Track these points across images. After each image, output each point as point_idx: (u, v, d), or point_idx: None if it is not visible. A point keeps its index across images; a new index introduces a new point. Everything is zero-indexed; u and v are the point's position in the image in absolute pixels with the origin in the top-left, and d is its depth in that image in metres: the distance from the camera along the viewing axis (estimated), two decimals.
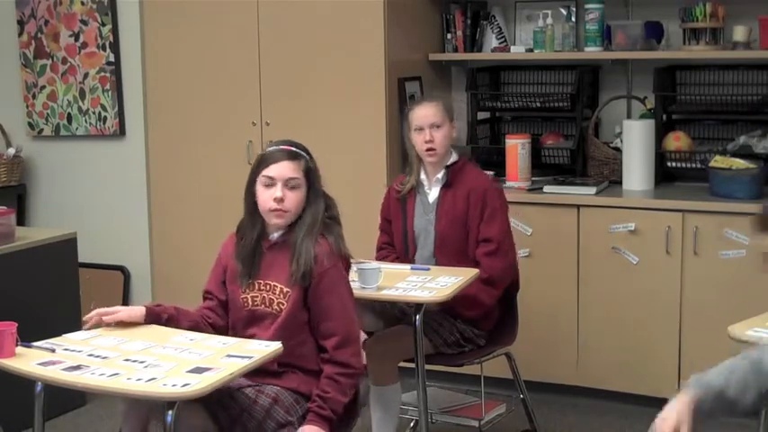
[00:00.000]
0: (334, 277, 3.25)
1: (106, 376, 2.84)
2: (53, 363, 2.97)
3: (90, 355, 3.03)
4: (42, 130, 5.99)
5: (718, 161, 4.61)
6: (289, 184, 3.26)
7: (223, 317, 3.41)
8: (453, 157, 4.12)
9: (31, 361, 2.99)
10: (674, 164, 4.87)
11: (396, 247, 4.21)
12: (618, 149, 4.95)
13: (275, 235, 3.33)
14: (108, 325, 3.30)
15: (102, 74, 5.75)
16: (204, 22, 5.40)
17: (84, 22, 5.77)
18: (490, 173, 4.50)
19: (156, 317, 3.31)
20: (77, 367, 2.92)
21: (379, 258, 4.18)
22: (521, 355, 4.22)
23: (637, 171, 4.78)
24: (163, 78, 5.55)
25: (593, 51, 4.99)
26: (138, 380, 2.80)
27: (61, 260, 4.85)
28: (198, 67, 5.43)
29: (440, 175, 4.10)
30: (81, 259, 4.99)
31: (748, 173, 4.51)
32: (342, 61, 5.07)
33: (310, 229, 3.26)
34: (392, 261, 4.14)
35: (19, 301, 4.40)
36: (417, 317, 3.67)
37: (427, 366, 3.78)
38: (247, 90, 5.31)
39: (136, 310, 3.34)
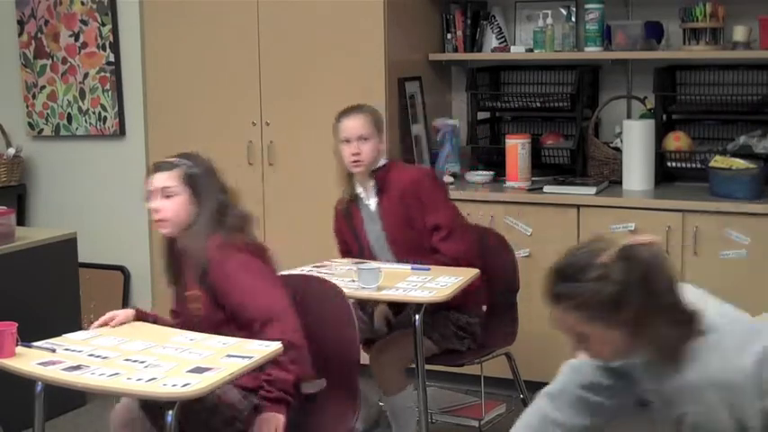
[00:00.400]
0: (231, 268, 3.27)
1: (106, 376, 2.84)
2: (53, 363, 2.97)
3: (90, 354, 3.04)
4: (42, 130, 5.99)
5: (718, 161, 4.61)
6: (164, 193, 3.33)
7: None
8: (381, 162, 4.09)
9: (32, 361, 2.99)
10: (674, 164, 4.87)
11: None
12: (618, 149, 4.95)
13: (180, 243, 3.40)
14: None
15: (102, 74, 5.75)
16: (204, 22, 5.40)
17: (84, 22, 5.77)
18: (422, 165, 4.40)
19: (143, 318, 3.45)
20: (77, 367, 2.92)
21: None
22: (521, 356, 4.22)
23: (637, 171, 4.78)
24: (163, 78, 5.55)
25: (593, 51, 4.99)
26: (139, 380, 2.80)
27: (61, 260, 4.85)
28: (198, 67, 5.43)
29: (371, 184, 4.09)
30: (81, 259, 4.99)
31: (748, 173, 4.51)
32: (342, 61, 5.07)
33: (198, 231, 3.32)
34: None
35: (19, 301, 4.40)
36: (417, 317, 3.67)
37: (427, 366, 3.78)
38: (247, 90, 5.31)
39: (129, 313, 3.43)
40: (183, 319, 3.41)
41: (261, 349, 3.02)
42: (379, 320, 4.09)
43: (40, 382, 3.07)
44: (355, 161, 4.03)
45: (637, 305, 2.22)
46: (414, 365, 3.79)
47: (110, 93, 5.75)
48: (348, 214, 4.16)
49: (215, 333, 3.22)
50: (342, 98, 4.94)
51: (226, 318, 3.29)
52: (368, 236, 4.12)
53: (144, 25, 5.60)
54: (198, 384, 2.75)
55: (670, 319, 2.26)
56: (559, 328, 2.38)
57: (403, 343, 3.87)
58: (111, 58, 5.71)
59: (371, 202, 4.10)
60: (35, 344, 3.11)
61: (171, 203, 3.33)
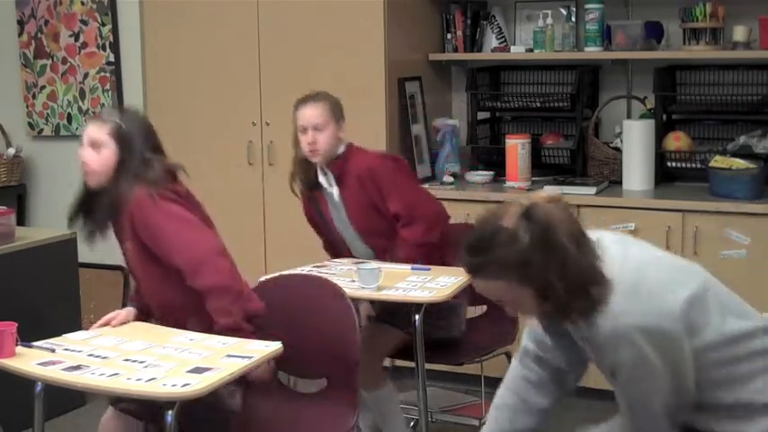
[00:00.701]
0: (154, 220, 3.29)
1: (106, 376, 2.84)
2: (53, 363, 2.97)
3: (90, 355, 3.04)
4: (42, 130, 5.99)
5: (718, 161, 4.61)
6: (93, 145, 3.37)
7: None
8: (340, 150, 4.08)
9: (31, 361, 2.99)
10: (674, 164, 4.87)
11: (333, 247, 4.22)
12: (618, 149, 4.95)
13: (104, 194, 3.41)
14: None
15: (102, 74, 5.75)
16: (204, 22, 5.40)
17: (84, 22, 5.77)
18: (379, 150, 4.35)
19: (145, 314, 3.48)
20: (77, 367, 2.92)
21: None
22: None
23: (637, 171, 4.77)
24: (163, 78, 5.55)
25: (593, 51, 4.99)
26: (138, 380, 2.80)
27: (61, 260, 4.84)
28: (198, 67, 5.43)
29: (328, 172, 4.09)
30: (81, 259, 4.99)
31: (748, 173, 4.51)
32: (342, 61, 5.07)
33: (121, 184, 3.33)
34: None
35: (19, 300, 4.40)
36: (417, 317, 3.66)
37: (427, 366, 3.78)
38: (247, 90, 5.31)
39: (129, 311, 3.48)
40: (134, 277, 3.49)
41: (261, 349, 3.02)
42: (363, 319, 4.09)
43: (39, 383, 3.06)
44: (312, 150, 4.03)
45: (541, 261, 2.24)
46: (408, 360, 3.78)
47: (110, 93, 5.75)
48: (314, 202, 4.17)
49: (158, 287, 3.33)
50: (341, 98, 4.93)
51: (163, 270, 3.31)
52: (336, 223, 4.14)
53: (144, 25, 5.60)
54: (198, 384, 2.75)
55: (578, 271, 2.27)
56: (486, 296, 2.42)
57: (379, 337, 3.87)
58: (111, 58, 5.71)
59: (334, 191, 4.10)
60: (35, 344, 3.11)
61: (98, 156, 3.36)
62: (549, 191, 2.33)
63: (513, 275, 2.27)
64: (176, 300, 3.34)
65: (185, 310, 3.32)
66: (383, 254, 4.09)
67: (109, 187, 3.37)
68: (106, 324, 3.39)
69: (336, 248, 4.21)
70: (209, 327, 3.24)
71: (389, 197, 4.00)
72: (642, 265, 2.38)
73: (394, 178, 4.04)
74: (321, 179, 4.11)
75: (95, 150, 3.37)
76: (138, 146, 3.39)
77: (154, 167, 3.37)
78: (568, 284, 2.25)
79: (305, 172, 4.16)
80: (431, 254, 4.01)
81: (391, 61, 5.02)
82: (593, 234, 2.40)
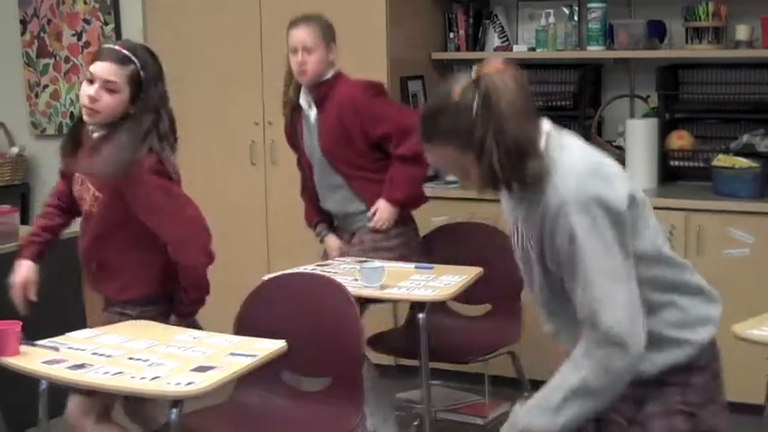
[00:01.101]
0: (157, 197, 3.28)
1: (110, 375, 2.84)
2: (57, 361, 2.97)
3: (94, 353, 3.03)
4: (45, 129, 6.00)
5: (721, 160, 4.62)
6: (106, 85, 3.26)
7: (74, 204, 3.51)
8: (329, 74, 4.11)
9: (36, 359, 2.99)
10: (677, 163, 4.87)
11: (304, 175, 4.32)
12: (621, 148, 4.95)
13: (95, 134, 3.35)
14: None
15: None
16: (206, 21, 5.40)
17: (87, 21, 5.78)
18: (363, 79, 4.29)
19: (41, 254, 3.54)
20: (81, 366, 2.92)
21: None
22: (525, 354, 4.22)
23: (640, 170, 4.77)
24: (167, 76, 5.52)
25: (595, 50, 4.99)
26: (143, 378, 2.80)
27: (65, 258, 4.83)
28: (200, 67, 5.43)
29: (311, 95, 4.13)
30: None
31: (751, 171, 4.51)
32: (344, 60, 5.05)
33: (128, 140, 3.25)
34: None
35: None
36: (421, 315, 3.67)
37: (431, 364, 3.78)
38: (250, 89, 5.31)
39: (28, 267, 3.50)
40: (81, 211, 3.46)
41: (265, 347, 3.02)
42: (333, 252, 4.22)
43: (44, 381, 3.06)
44: (300, 71, 4.06)
45: (481, 127, 2.27)
46: (412, 359, 3.79)
47: None
48: (291, 122, 4.23)
49: (100, 231, 3.36)
50: None
51: (119, 222, 3.32)
52: (306, 146, 4.19)
53: (146, 24, 5.60)
54: (202, 383, 2.74)
55: (514, 139, 2.29)
56: (439, 166, 2.48)
57: None
58: None
59: (312, 114, 4.14)
60: (39, 342, 3.11)
61: (111, 99, 3.26)
62: (504, 59, 2.34)
63: (456, 142, 2.31)
64: (121, 264, 3.37)
65: (124, 275, 3.37)
66: (347, 189, 4.17)
67: (116, 136, 3.27)
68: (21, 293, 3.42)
69: (310, 191, 4.30)
70: (135, 298, 3.35)
71: (376, 124, 4.06)
72: (600, 158, 2.41)
73: (376, 104, 4.10)
74: (302, 100, 4.15)
75: (108, 92, 3.25)
76: (152, 100, 3.32)
77: (160, 128, 3.30)
78: (505, 151, 2.28)
79: (292, 92, 4.20)
80: (426, 167, 4.07)
81: (393, 60, 5.03)
82: (561, 131, 2.48)
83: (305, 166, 4.29)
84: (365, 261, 3.89)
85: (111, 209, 3.32)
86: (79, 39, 5.82)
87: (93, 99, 3.25)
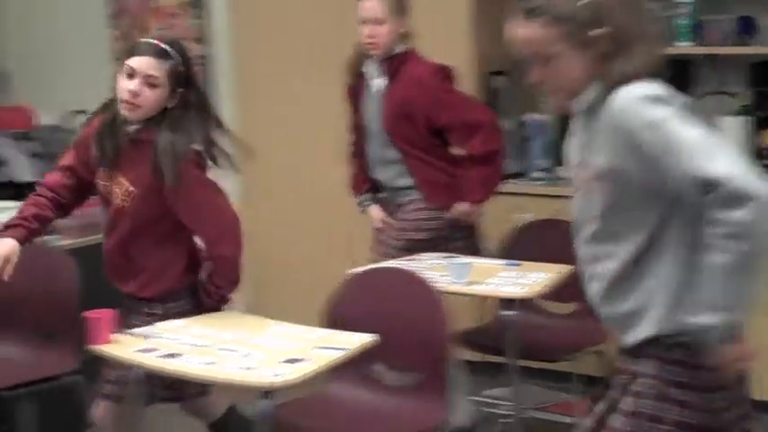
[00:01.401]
0: (199, 192, 3.29)
1: (203, 364, 2.86)
2: (149, 350, 3.01)
3: (185, 343, 3.06)
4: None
5: None
6: (147, 80, 3.25)
7: (74, 199, 3.48)
8: (399, 49, 4.08)
9: (129, 348, 3.03)
10: None
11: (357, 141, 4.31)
12: None
13: (131, 128, 3.33)
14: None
15: (196, 67, 5.78)
16: (296, 13, 5.40)
17: (175, 16, 5.83)
18: (434, 62, 4.27)
19: (26, 240, 3.37)
20: (174, 355, 2.95)
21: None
22: (613, 353, 4.16)
23: None
24: (254, 72, 5.57)
25: (684, 46, 4.91)
26: (235, 368, 2.82)
27: None
28: (290, 60, 5.44)
29: (380, 67, 4.10)
30: None
31: None
32: (428, 54, 5.03)
33: (181, 134, 3.25)
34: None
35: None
36: (510, 312, 3.64)
37: (519, 362, 3.75)
38: (339, 83, 5.30)
39: (13, 246, 3.32)
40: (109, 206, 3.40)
41: (355, 341, 3.03)
42: (377, 222, 4.28)
43: (138, 369, 3.09)
44: (369, 43, 4.03)
45: (617, 25, 2.20)
46: (499, 356, 3.77)
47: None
48: (354, 86, 4.24)
49: (133, 228, 3.32)
50: None
51: (156, 218, 3.31)
52: (367, 115, 4.19)
53: (234, 18, 5.63)
54: (291, 375, 2.76)
55: (628, 32, 2.22)
56: (525, 47, 2.30)
57: None
58: (202, 52, 5.76)
59: (378, 84, 4.13)
60: (131, 331, 3.15)
61: (152, 93, 3.26)
62: None
63: (577, 30, 2.22)
64: (151, 259, 3.35)
65: (152, 270, 3.35)
66: (401, 164, 4.17)
67: (150, 128, 3.28)
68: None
69: (360, 158, 4.30)
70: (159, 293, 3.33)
71: (440, 112, 4.05)
72: None
73: (444, 93, 4.07)
74: (367, 68, 4.14)
75: (149, 86, 3.25)
76: (192, 92, 3.32)
77: (193, 117, 3.30)
78: (619, 39, 2.20)
79: (354, 65, 4.21)
80: (499, 164, 4.10)
81: (478, 54, 4.99)
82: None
83: (359, 131, 4.27)
84: (451, 257, 3.88)
85: (147, 204, 3.30)
86: (168, 33, 5.87)
87: (134, 94, 3.25)
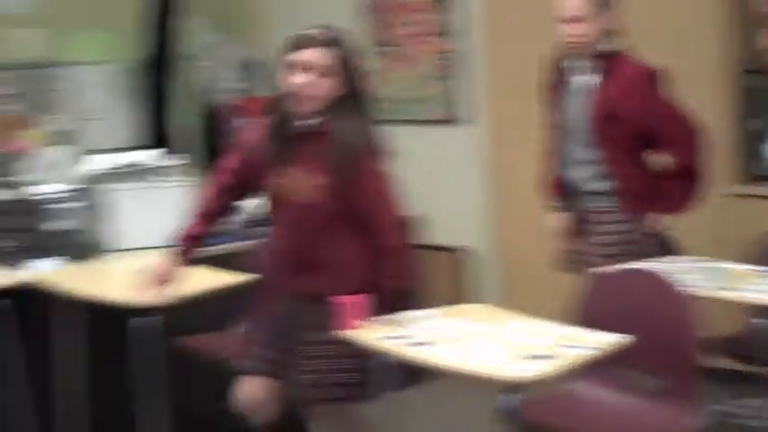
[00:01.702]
0: (377, 181, 3.26)
1: (453, 355, 2.88)
2: (398, 337, 3.05)
3: (432, 333, 3.09)
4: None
5: None
6: (318, 70, 3.20)
7: (237, 197, 3.50)
8: (606, 46, 3.93)
9: (376, 334, 3.09)
10: None
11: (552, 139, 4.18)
12: None
13: (305, 122, 3.26)
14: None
15: (441, 61, 5.85)
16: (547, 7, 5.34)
17: (421, 11, 5.88)
18: (648, 65, 4.07)
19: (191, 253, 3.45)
20: (423, 344, 2.98)
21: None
22: None
23: None
24: (507, 68, 5.52)
25: None
26: (487, 361, 2.82)
27: None
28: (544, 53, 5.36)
29: (588, 64, 3.96)
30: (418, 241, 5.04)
31: None
32: (672, 53, 4.86)
33: (348, 124, 3.21)
34: None
35: None
36: (761, 320, 3.50)
37: None
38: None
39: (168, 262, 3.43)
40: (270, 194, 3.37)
41: (605, 341, 2.98)
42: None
43: (383, 356, 3.14)
44: (571, 42, 3.95)
45: None
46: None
47: (447, 80, 5.83)
48: (555, 86, 4.13)
49: (317, 224, 3.26)
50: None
51: (340, 211, 3.25)
52: (567, 113, 4.06)
53: (483, 13, 5.61)
54: (543, 371, 2.74)
55: None
56: None
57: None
58: (449, 46, 5.80)
59: (586, 81, 3.99)
60: (377, 318, 3.20)
61: (327, 83, 3.22)
62: None
63: None
64: (339, 256, 3.28)
65: (340, 268, 3.28)
66: (600, 166, 4.03)
67: (324, 119, 3.24)
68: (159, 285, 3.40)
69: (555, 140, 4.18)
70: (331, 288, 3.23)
71: (656, 120, 3.93)
72: None
73: (660, 100, 3.94)
74: (571, 65, 4.04)
75: (322, 77, 3.20)
76: (359, 78, 3.28)
77: (365, 103, 3.28)
78: None
79: (554, 62, 4.14)
80: (703, 177, 3.96)
81: (730, 52, 4.83)
82: None
83: (556, 129, 4.18)
84: (702, 260, 3.77)
85: (336, 198, 3.24)
86: (414, 28, 5.93)
87: (308, 85, 3.21)
